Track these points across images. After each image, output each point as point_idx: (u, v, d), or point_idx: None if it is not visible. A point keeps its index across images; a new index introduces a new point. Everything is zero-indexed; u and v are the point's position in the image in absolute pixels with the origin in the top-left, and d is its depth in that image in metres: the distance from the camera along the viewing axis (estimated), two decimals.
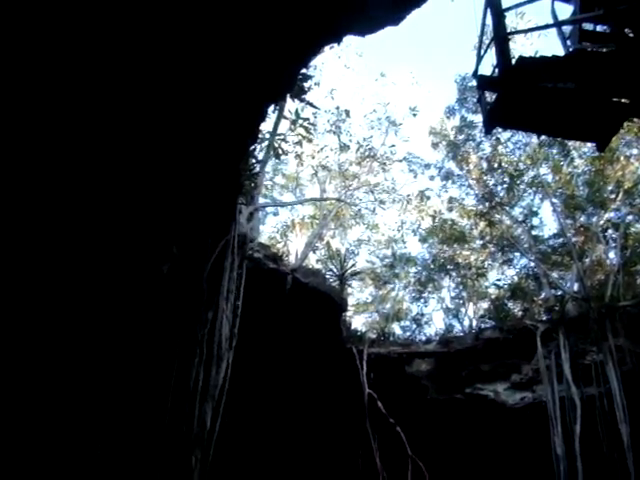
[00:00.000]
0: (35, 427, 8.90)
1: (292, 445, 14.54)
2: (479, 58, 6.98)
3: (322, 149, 20.22)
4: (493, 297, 19.93)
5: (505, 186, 19.31)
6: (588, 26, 6.65)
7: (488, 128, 7.24)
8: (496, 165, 19.39)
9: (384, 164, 21.19)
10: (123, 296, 8.77)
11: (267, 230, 21.27)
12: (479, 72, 6.80)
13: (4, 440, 8.34)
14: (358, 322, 19.90)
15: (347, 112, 19.56)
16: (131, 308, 8.94)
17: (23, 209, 7.03)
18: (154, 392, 9.25)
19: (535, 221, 19.88)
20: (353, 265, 16.37)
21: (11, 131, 6.21)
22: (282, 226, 21.67)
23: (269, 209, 21.06)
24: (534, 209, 19.82)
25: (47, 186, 7.01)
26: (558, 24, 6.83)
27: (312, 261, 18.44)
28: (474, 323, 18.03)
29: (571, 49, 6.53)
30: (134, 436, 10.52)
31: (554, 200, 18.31)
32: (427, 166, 21.73)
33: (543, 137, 16.73)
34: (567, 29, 6.88)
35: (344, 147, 20.33)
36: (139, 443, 10.19)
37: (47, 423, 9.08)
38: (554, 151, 18.71)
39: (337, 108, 19.56)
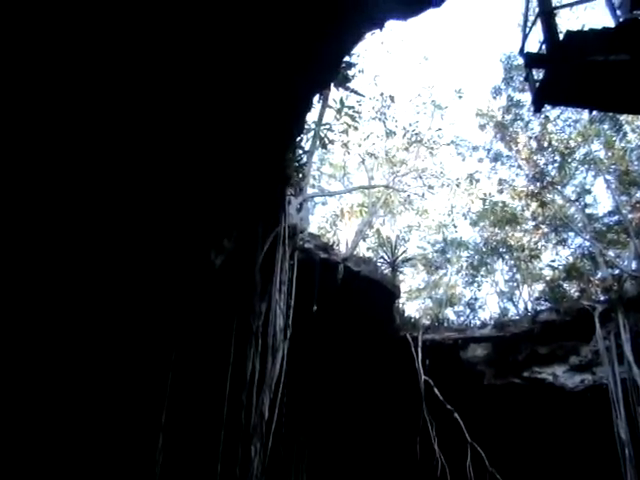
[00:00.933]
0: (93, 413, 9.14)
1: (350, 434, 14.59)
2: (525, 35, 6.85)
3: (368, 136, 20.09)
4: (548, 279, 19.57)
5: (556, 165, 18.92)
6: None
7: (537, 106, 7.07)
8: (546, 144, 18.99)
9: (431, 148, 20.95)
10: (178, 290, 8.91)
11: (316, 220, 21.32)
12: (525, 49, 6.66)
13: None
14: (411, 309, 19.76)
15: (392, 98, 19.37)
16: (186, 301, 9.09)
17: (73, 202, 7.20)
18: (212, 383, 9.39)
19: (589, 199, 19.47)
20: (404, 252, 16.27)
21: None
22: (331, 215, 21.69)
23: (318, 199, 21.09)
24: (587, 187, 19.42)
25: (98, 180, 7.16)
26: None
27: (363, 249, 18.39)
28: (529, 306, 17.71)
29: (622, 19, 6.31)
30: (195, 426, 10.73)
31: (607, 177, 17.87)
32: (475, 148, 21.46)
33: (594, 113, 16.31)
34: None
35: (390, 133, 20.16)
36: (200, 433, 10.38)
37: (112, 408, 9.33)
38: (606, 126, 18.22)
39: (381, 94, 19.39)
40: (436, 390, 12.77)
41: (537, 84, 6.50)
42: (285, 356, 9.59)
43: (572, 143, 18.82)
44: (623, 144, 18.17)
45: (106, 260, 8.23)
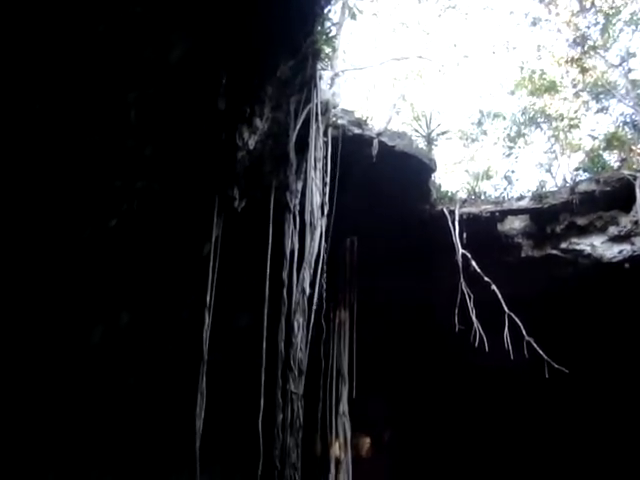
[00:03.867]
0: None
1: (388, 304, 14.82)
2: None
3: (399, 4, 19.23)
4: (587, 149, 19.08)
5: (599, 27, 17.95)
6: None
7: None
8: (588, 4, 17.96)
9: (466, 14, 20.02)
10: (215, 170, 8.92)
11: (349, 95, 20.80)
12: None
13: None
14: (448, 182, 19.50)
15: None
16: (224, 182, 9.10)
17: None
18: (253, 262, 9.55)
19: (633, 63, 18.52)
20: (439, 124, 15.84)
21: None
22: (364, 90, 21.14)
23: (350, 73, 20.44)
24: (632, 50, 18.40)
25: None
26: None
27: (397, 124, 17.99)
28: (568, 177, 17.38)
29: None
30: (238, 306, 11.04)
31: None
32: (512, 12, 20.45)
33: None
34: None
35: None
36: (243, 311, 10.69)
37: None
38: None
39: None
40: (473, 263, 12.78)
41: None
42: (323, 233, 9.63)
43: (617, 2, 17.74)
44: None
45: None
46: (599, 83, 18.11)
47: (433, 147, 14.64)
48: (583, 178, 14.94)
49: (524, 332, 12.46)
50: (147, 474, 14.97)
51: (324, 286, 9.84)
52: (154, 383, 13.30)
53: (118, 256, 10.38)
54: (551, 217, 13.82)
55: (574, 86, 19.41)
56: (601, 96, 18.59)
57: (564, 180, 16.65)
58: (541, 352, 12.50)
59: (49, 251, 9.44)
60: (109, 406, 13.14)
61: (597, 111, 19.36)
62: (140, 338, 12.25)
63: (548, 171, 20.33)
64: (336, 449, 12.35)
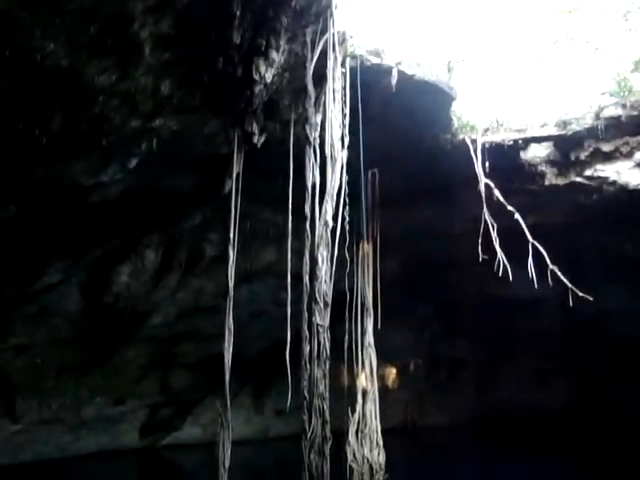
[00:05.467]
0: None
1: (408, 237, 14.80)
2: None
3: None
4: (614, 72, 18.45)
5: None
6: None
7: None
8: None
9: None
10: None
11: (366, 24, 20.20)
12: None
13: None
14: (469, 111, 19.10)
15: None
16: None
17: None
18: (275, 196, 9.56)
19: None
20: (460, 51, 15.42)
21: None
22: (382, 18, 20.53)
23: (366, 1, 19.84)
24: None
25: None
26: None
27: (416, 52, 17.47)
28: (593, 102, 16.92)
29: None
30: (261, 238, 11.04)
31: None
32: None
33: None
34: None
35: None
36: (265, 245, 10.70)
37: None
38: None
39: None
40: (496, 192, 12.62)
41: None
42: (344, 166, 9.53)
43: None
44: None
45: None
46: (628, 1, 17.32)
47: (454, 75, 14.25)
48: (609, 103, 14.54)
49: (548, 261, 12.40)
50: (187, 397, 15.92)
51: (347, 219, 9.84)
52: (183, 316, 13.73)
53: (141, 195, 10.45)
54: (575, 144, 13.55)
55: (600, 5, 18.64)
56: (629, 14, 17.82)
57: (589, 105, 16.21)
58: (565, 280, 12.47)
59: (74, 194, 9.53)
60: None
61: (625, 32, 18.62)
62: (166, 275, 12.48)
63: (572, 96, 19.78)
64: (363, 380, 12.56)
